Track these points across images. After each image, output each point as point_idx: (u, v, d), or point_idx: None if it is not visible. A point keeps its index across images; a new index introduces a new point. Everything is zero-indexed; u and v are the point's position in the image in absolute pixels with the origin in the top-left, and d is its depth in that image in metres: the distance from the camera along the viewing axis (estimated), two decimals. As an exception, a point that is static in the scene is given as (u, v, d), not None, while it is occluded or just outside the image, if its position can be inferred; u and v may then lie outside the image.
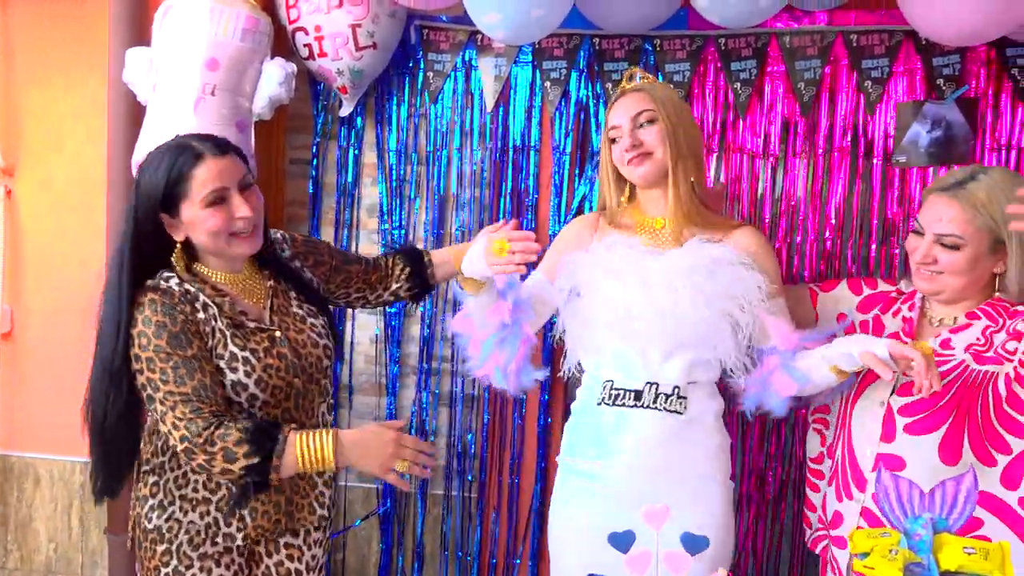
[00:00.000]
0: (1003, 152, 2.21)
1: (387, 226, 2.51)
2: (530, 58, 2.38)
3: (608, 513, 1.70)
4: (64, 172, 2.52)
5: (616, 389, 1.74)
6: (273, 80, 2.21)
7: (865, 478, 1.58)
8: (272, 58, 2.24)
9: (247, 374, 1.58)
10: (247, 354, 1.59)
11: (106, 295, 1.61)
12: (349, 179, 2.53)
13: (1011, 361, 1.51)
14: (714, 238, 1.73)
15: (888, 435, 1.58)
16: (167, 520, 1.67)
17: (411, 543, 2.57)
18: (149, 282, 1.59)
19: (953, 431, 1.51)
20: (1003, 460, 1.48)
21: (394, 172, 2.50)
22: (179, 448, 1.52)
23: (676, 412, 1.69)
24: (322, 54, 2.27)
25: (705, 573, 1.51)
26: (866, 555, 1.23)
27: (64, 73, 2.51)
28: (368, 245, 2.56)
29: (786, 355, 1.62)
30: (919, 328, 1.67)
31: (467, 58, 2.43)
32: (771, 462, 2.36)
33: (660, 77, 2.31)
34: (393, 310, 2.55)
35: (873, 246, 2.28)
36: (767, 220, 2.33)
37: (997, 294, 1.62)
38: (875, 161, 2.27)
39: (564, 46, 2.34)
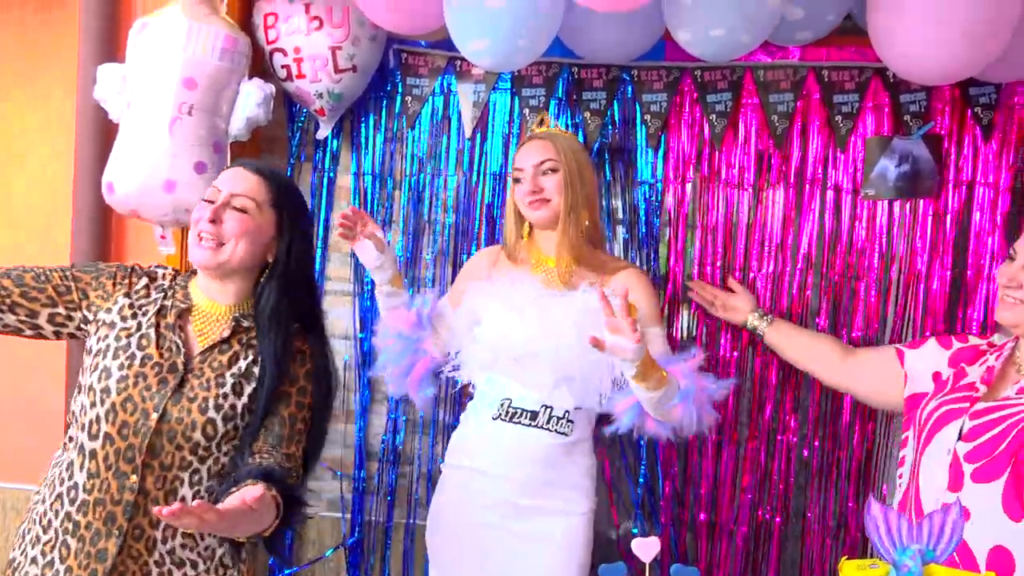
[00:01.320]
0: (966, 188, 2.28)
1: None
2: (509, 85, 2.39)
3: (491, 505, 1.92)
4: (26, 189, 2.44)
5: (514, 408, 1.93)
6: (251, 101, 2.18)
7: None
8: (249, 78, 2.21)
9: (120, 367, 1.49)
10: (138, 352, 1.51)
11: None
12: (323, 202, 2.50)
13: None
14: (599, 280, 1.91)
15: (955, 483, 1.54)
16: (20, 552, 1.55)
17: (378, 574, 2.53)
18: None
19: (1013, 481, 1.47)
20: None
21: (369, 196, 2.48)
22: None
23: (563, 434, 1.91)
24: (300, 76, 2.25)
25: None
26: (856, 586, 1.25)
27: (28, 86, 2.44)
28: (342, 268, 2.54)
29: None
30: (1000, 374, 1.63)
31: (445, 83, 2.43)
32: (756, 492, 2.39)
33: (638, 107, 2.35)
34: (362, 335, 2.52)
35: (840, 277, 2.33)
36: (740, 250, 2.36)
37: None
38: (845, 194, 2.33)
39: (543, 74, 2.35)
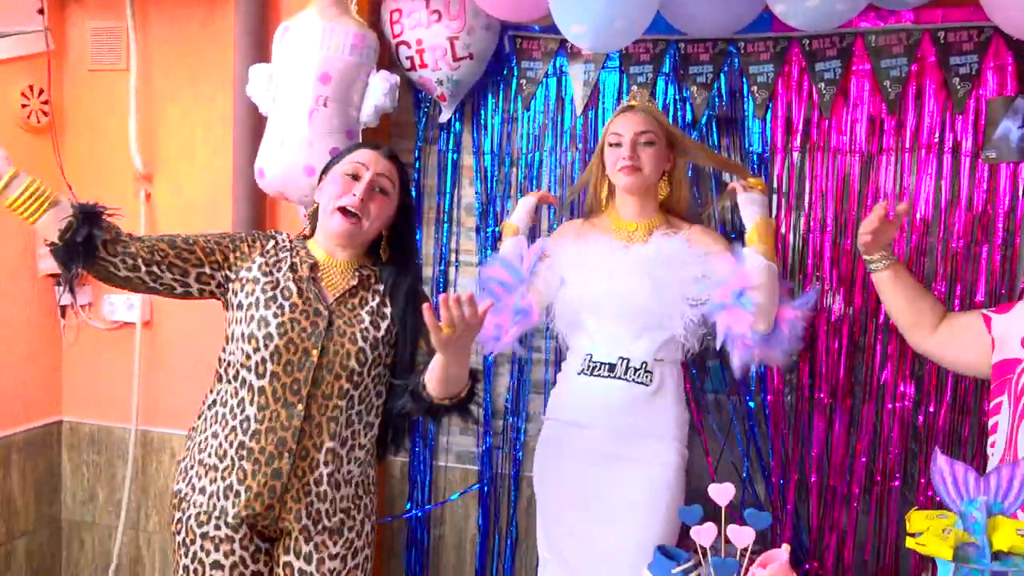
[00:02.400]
0: (1099, 146, 2.18)
1: (483, 224, 2.68)
2: (617, 63, 2.49)
3: (583, 454, 2.06)
4: (194, 178, 2.79)
5: (594, 362, 2.07)
6: (378, 91, 2.40)
7: None
8: (378, 70, 2.43)
9: (275, 315, 1.74)
10: (284, 302, 1.75)
11: None
12: (448, 181, 2.70)
13: None
14: (672, 233, 2.07)
15: None
16: (187, 484, 1.80)
17: (506, 522, 2.73)
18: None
19: None
20: None
21: (489, 173, 2.66)
22: None
23: (643, 384, 2.02)
24: (423, 65, 2.45)
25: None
26: (921, 534, 1.29)
27: (195, 88, 2.78)
28: (467, 242, 2.73)
29: (736, 292, 1.95)
30: None
31: (558, 65, 2.56)
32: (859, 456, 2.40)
33: (744, 80, 2.39)
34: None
35: (962, 242, 2.29)
36: (852, 216, 2.36)
37: None
38: (964, 157, 2.27)
39: (650, 51, 2.44)
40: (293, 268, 1.81)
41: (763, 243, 1.97)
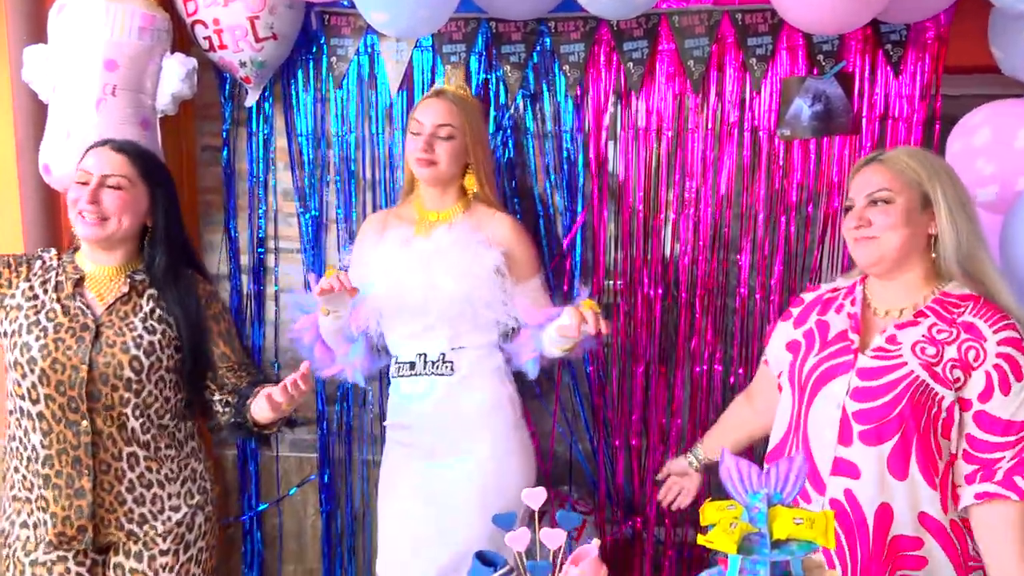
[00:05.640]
0: (879, 123, 2.34)
1: (302, 209, 2.58)
2: (430, 42, 2.43)
3: (408, 464, 2.05)
4: (-26, 173, 2.52)
5: (399, 363, 2.06)
6: (174, 76, 2.23)
7: (824, 482, 1.62)
8: (172, 52, 2.26)
9: (37, 338, 1.71)
10: (48, 323, 1.73)
11: None
12: (261, 165, 2.58)
13: (951, 390, 1.55)
14: (470, 224, 2.00)
15: (845, 439, 1.62)
16: (6, 521, 1.80)
17: (346, 507, 2.72)
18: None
19: (901, 445, 1.57)
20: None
21: (305, 156, 2.56)
22: None
23: (444, 375, 1.99)
24: (222, 46, 2.29)
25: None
26: (712, 527, 1.39)
27: (-34, 69, 2.49)
28: (285, 228, 2.63)
29: (536, 328, 1.94)
30: (865, 322, 1.68)
31: (369, 43, 2.47)
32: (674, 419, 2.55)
33: (555, 60, 2.39)
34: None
35: (761, 215, 2.42)
36: (663, 194, 2.45)
37: (937, 273, 1.65)
38: (761, 134, 2.39)
39: (462, 30, 2.39)
40: (58, 287, 1.77)
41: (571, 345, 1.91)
